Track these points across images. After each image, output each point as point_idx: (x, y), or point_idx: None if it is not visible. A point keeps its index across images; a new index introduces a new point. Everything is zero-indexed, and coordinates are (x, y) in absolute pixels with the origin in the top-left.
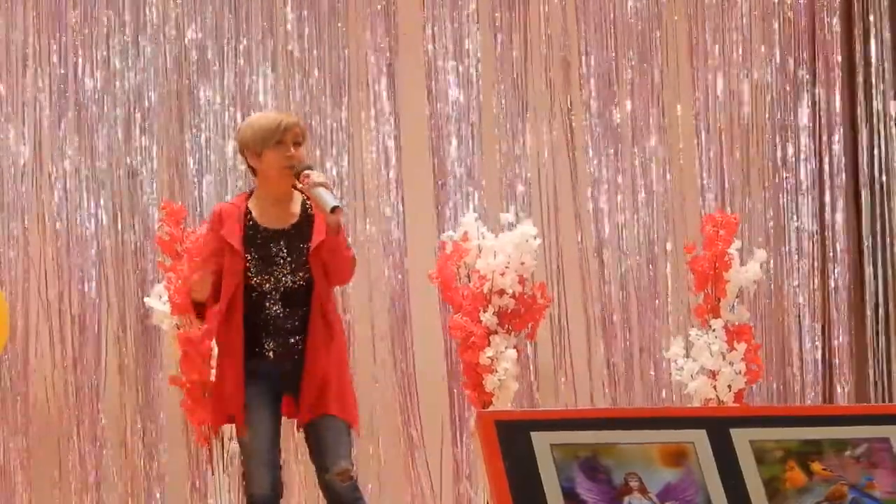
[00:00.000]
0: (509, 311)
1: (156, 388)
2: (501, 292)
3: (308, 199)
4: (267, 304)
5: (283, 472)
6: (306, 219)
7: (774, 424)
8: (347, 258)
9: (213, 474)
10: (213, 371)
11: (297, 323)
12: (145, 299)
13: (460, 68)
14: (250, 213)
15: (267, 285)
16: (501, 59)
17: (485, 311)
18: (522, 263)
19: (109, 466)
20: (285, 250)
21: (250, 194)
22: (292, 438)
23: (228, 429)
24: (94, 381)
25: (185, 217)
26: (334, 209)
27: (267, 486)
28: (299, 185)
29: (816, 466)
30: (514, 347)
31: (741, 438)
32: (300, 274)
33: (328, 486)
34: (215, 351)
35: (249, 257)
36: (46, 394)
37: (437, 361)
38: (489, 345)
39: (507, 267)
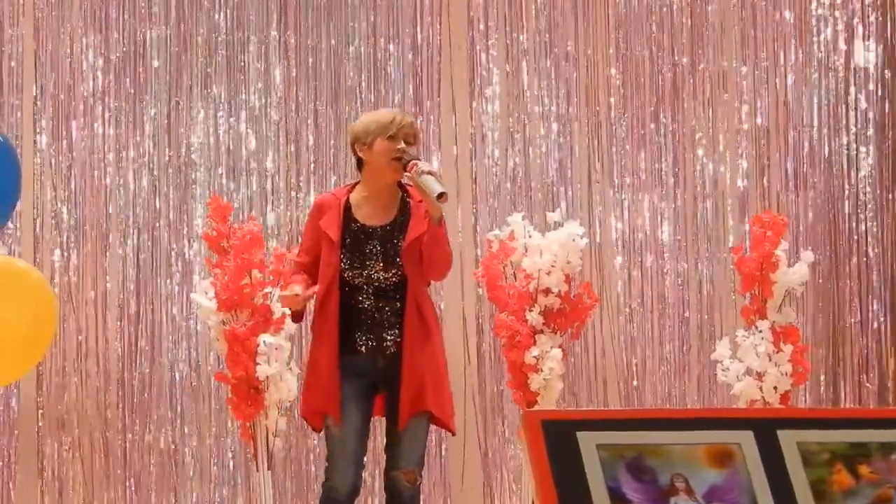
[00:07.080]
0: (555, 310)
1: None
2: (547, 291)
3: (414, 188)
4: (360, 298)
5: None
6: (403, 217)
7: (822, 427)
8: (445, 252)
9: (257, 471)
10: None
11: (390, 318)
12: (191, 295)
13: (507, 68)
14: (350, 206)
15: (358, 280)
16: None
17: (530, 310)
18: (569, 262)
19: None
20: (379, 247)
21: (353, 187)
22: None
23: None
24: None
25: (232, 213)
26: (441, 195)
27: (349, 482)
28: (407, 175)
29: (864, 469)
30: (560, 347)
31: (788, 440)
32: (393, 271)
33: (391, 482)
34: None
35: (343, 251)
36: None
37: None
38: (535, 344)
39: (553, 266)
